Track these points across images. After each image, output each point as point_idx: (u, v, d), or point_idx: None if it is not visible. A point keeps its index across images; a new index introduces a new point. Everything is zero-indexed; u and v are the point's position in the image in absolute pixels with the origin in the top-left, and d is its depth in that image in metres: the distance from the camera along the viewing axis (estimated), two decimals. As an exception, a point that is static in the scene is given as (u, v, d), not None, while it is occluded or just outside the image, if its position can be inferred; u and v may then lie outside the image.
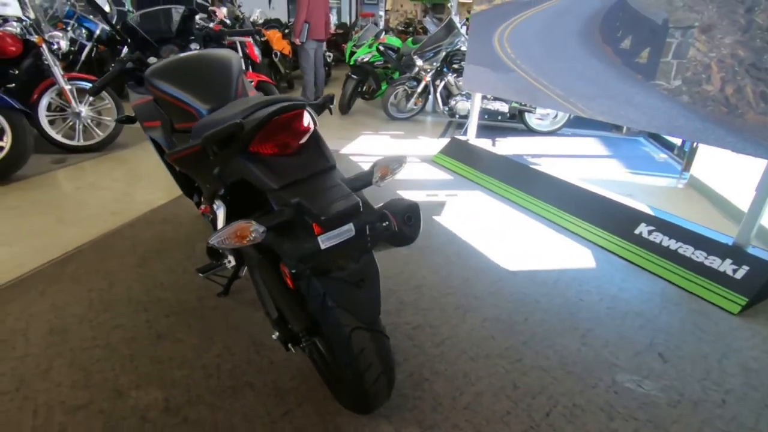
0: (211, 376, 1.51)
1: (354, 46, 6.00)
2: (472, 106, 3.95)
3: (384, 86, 5.82)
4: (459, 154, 3.87)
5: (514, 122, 5.20)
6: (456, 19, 5.21)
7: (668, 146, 4.58)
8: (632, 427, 1.39)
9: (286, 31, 7.11)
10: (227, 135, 1.10)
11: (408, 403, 1.43)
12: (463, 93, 5.04)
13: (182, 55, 1.70)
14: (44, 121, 3.53)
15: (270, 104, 1.11)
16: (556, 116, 5.06)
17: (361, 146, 4.43)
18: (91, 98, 3.65)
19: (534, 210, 2.96)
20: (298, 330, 1.18)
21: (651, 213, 2.51)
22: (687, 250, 2.24)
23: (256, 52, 4.90)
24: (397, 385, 1.48)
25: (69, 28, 5.31)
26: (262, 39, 6.17)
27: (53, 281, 2.00)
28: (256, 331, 1.73)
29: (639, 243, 2.41)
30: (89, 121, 3.74)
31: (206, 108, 1.44)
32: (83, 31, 5.64)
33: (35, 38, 3.43)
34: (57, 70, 3.45)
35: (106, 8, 3.54)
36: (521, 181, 3.22)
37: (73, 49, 5.33)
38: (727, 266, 2.09)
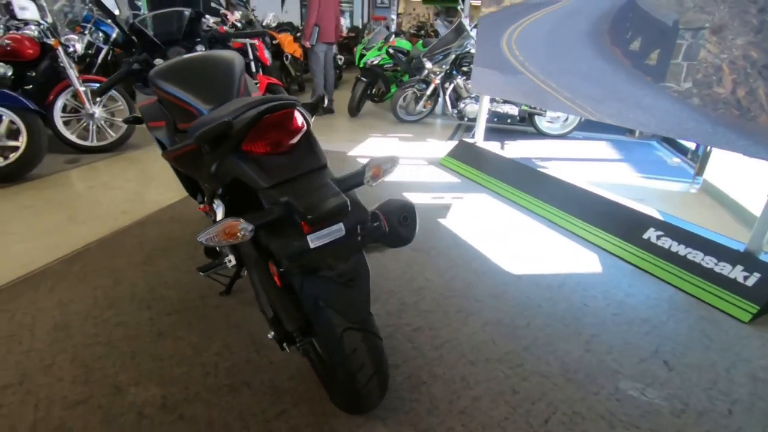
0: (209, 374, 1.52)
1: (364, 48, 6.03)
2: (479, 109, 3.93)
3: (393, 89, 5.83)
4: (466, 156, 3.85)
5: (523, 125, 5.16)
6: (466, 22, 5.19)
7: (682, 150, 4.49)
8: (633, 435, 1.35)
9: (298, 34, 7.16)
10: (217, 133, 1.11)
11: (404, 405, 1.42)
12: (473, 96, 5.01)
13: (185, 56, 1.72)
14: (59, 122, 3.62)
15: (262, 103, 1.12)
16: (566, 119, 5.00)
17: (369, 149, 4.43)
18: (104, 100, 3.73)
19: (540, 213, 2.93)
20: (291, 330, 1.18)
21: (660, 218, 2.46)
22: (696, 256, 2.18)
23: (266, 54, 4.93)
24: (394, 387, 1.48)
25: (86, 32, 5.45)
26: (274, 42, 6.22)
27: (61, 278, 2.04)
28: (256, 330, 1.74)
29: (647, 248, 2.36)
30: (102, 122, 3.82)
31: (207, 108, 1.45)
32: (100, 34, 5.77)
33: (52, 41, 3.52)
34: (72, 73, 3.54)
35: (116, 11, 3.61)
36: (528, 184, 3.19)
37: (90, 52, 5.46)
38: (738, 273, 2.03)
